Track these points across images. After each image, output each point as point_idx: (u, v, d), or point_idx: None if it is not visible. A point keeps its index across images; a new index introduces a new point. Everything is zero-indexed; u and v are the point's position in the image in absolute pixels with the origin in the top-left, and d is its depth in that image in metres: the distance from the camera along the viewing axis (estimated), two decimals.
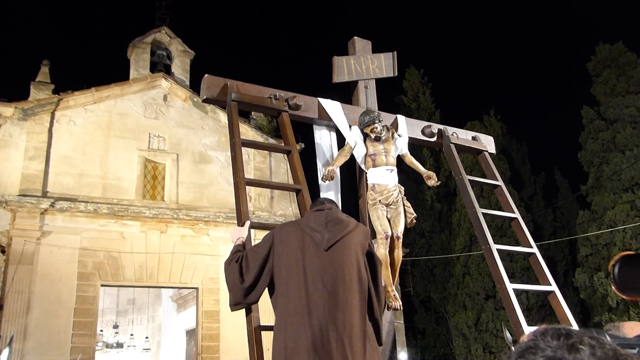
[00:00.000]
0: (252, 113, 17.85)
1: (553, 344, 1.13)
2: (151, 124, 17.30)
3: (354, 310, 3.58)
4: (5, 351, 6.13)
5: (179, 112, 17.88)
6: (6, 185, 14.98)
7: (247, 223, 4.45)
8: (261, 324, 4.19)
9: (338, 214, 3.90)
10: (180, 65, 18.82)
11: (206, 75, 5.40)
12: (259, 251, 3.79)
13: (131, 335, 22.58)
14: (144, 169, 16.74)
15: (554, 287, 5.76)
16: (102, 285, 15.52)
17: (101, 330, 20.27)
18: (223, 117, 17.79)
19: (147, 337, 22.75)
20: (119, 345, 22.05)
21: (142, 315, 23.50)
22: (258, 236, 16.04)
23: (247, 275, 3.72)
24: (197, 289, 16.49)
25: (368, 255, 3.87)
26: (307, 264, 3.61)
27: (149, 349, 22.53)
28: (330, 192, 5.75)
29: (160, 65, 18.42)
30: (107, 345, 21.85)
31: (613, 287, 2.06)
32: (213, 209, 16.97)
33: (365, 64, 6.45)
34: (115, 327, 22.42)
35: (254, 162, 17.94)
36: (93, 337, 15.12)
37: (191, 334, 18.11)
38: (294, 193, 5.58)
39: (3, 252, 14.56)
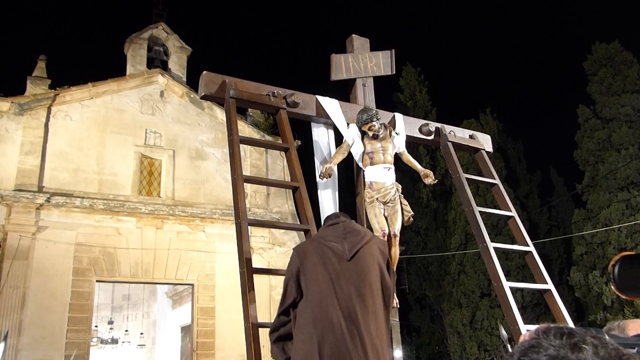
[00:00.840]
0: (249, 109, 17.85)
1: (556, 343, 1.13)
2: (147, 120, 17.27)
3: (381, 317, 3.63)
4: (1, 346, 6.11)
5: (176, 108, 17.85)
6: (2, 179, 14.95)
7: None
8: (258, 321, 4.20)
9: (354, 225, 3.90)
10: (177, 61, 18.78)
11: (204, 72, 5.40)
12: (293, 279, 3.72)
13: (126, 331, 22.55)
14: (140, 165, 16.72)
15: (550, 285, 5.78)
16: (97, 281, 15.50)
17: (96, 326, 20.24)
18: (220, 113, 17.77)
19: (142, 333, 22.73)
20: (114, 341, 22.02)
21: (137, 311, 23.48)
22: (254, 232, 16.13)
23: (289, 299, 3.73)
24: (192, 285, 16.49)
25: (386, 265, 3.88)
26: (332, 274, 3.60)
27: (144, 345, 22.51)
28: (328, 189, 5.76)
29: (157, 61, 18.37)
30: (102, 341, 21.81)
31: (613, 287, 2.07)
32: (209, 206, 16.96)
33: (364, 61, 6.45)
34: (110, 322, 22.39)
35: (250, 159, 17.92)
36: (88, 333, 15.11)
37: (186, 330, 18.11)
38: (291, 190, 5.59)
39: None
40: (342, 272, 3.60)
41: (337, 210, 5.80)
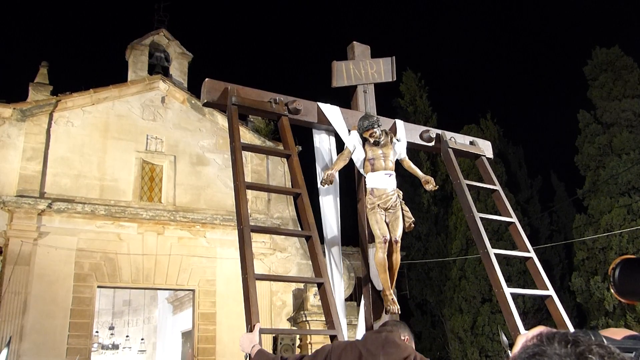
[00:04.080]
0: (249, 115, 17.88)
1: (561, 352, 1.10)
2: (149, 126, 17.31)
3: None
4: (4, 352, 6.14)
5: (177, 114, 17.89)
6: (4, 185, 14.99)
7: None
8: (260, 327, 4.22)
9: (396, 338, 3.65)
10: (178, 67, 18.83)
11: (207, 79, 5.42)
12: None
13: (127, 336, 22.57)
14: (142, 171, 16.75)
15: (551, 291, 5.78)
16: (98, 287, 15.53)
17: (97, 332, 20.25)
18: (220, 119, 17.83)
19: (142, 339, 22.75)
20: (115, 347, 22.05)
21: (137, 316, 23.50)
22: (255, 238, 16.10)
23: None
24: (193, 291, 16.50)
25: None
26: None
27: (145, 351, 22.53)
28: (329, 195, 5.78)
29: (159, 68, 18.42)
30: (103, 347, 21.85)
31: (612, 291, 2.07)
32: (210, 211, 16.98)
33: (365, 68, 6.46)
34: (111, 328, 22.42)
35: (251, 165, 17.94)
36: (89, 339, 15.12)
37: (187, 335, 18.11)
38: (293, 196, 5.61)
39: (0, 252, 14.56)
40: None
41: (339, 217, 5.82)
